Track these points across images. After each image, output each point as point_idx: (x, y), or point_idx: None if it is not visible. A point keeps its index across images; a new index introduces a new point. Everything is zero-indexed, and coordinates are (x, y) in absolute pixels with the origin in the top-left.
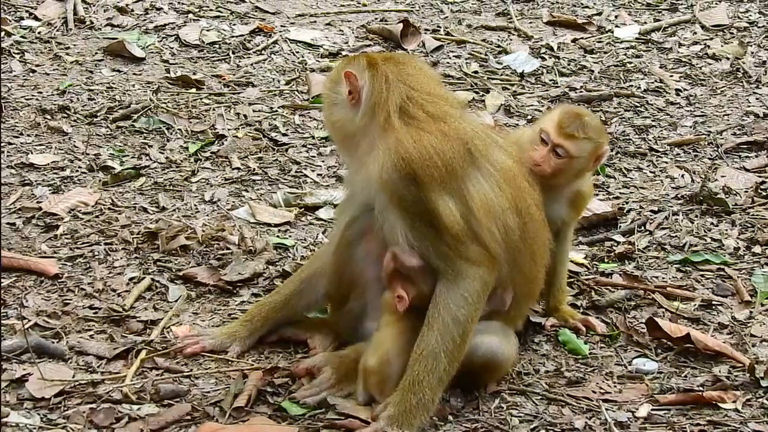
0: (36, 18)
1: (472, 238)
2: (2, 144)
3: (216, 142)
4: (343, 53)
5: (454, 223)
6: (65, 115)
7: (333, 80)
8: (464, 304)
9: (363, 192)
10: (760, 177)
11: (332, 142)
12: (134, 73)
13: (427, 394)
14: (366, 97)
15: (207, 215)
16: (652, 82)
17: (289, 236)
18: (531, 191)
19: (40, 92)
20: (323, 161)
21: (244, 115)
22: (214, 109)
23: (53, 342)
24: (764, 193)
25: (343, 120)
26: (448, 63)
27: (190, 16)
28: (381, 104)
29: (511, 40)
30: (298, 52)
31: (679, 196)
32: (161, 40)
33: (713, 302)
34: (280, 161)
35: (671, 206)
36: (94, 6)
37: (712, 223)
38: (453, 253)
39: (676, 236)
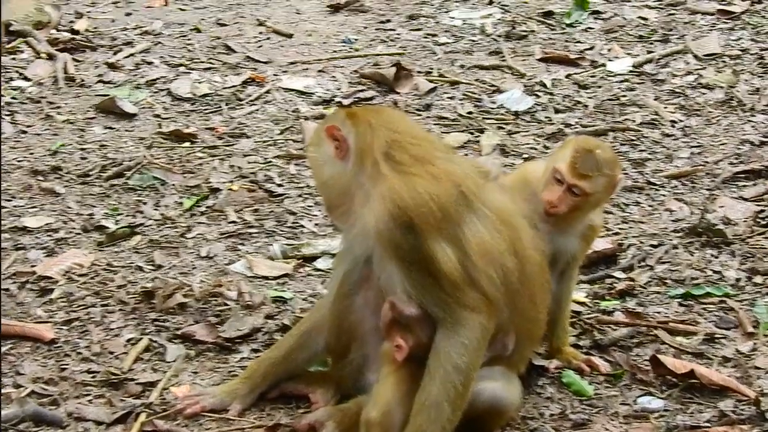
0: (26, 78)
1: (471, 284)
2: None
3: (211, 195)
4: (336, 99)
5: (452, 270)
6: (58, 175)
7: (315, 144)
8: (465, 352)
9: (360, 244)
10: (758, 206)
11: (324, 207)
12: (126, 130)
13: None
14: (353, 143)
15: (204, 271)
16: (647, 115)
17: (288, 288)
18: (527, 231)
19: (32, 153)
20: (320, 210)
21: (239, 167)
22: (208, 163)
23: (51, 409)
24: (763, 222)
25: (335, 176)
26: (441, 105)
27: (182, 69)
28: (368, 149)
29: (504, 78)
30: (291, 101)
31: (678, 229)
32: (153, 95)
33: (716, 335)
34: (276, 212)
35: (671, 240)
36: (84, 63)
37: (712, 255)
38: (452, 301)
39: (676, 270)
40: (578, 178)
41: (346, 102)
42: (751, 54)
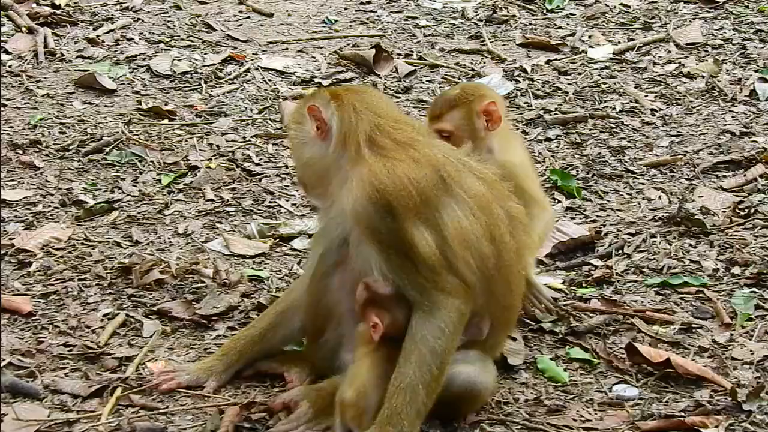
0: (6, 51)
1: (448, 269)
2: None
3: (189, 173)
4: (316, 80)
5: (430, 254)
6: (37, 149)
7: (296, 121)
8: (441, 335)
9: (337, 226)
10: (737, 196)
11: (302, 187)
12: (106, 105)
13: (405, 427)
14: (336, 127)
15: (181, 248)
16: (627, 103)
17: (264, 268)
18: (504, 218)
19: (11, 127)
20: (297, 191)
21: (217, 146)
22: (186, 140)
23: (28, 381)
24: (742, 213)
25: (315, 156)
26: (421, 88)
27: (161, 46)
28: (351, 134)
29: (484, 63)
30: (270, 80)
31: (656, 217)
32: (132, 71)
33: (693, 325)
34: (253, 191)
35: (649, 228)
36: (64, 38)
37: (690, 245)
38: (429, 285)
39: (654, 259)
40: (434, 121)
41: (325, 83)
42: (734, 44)
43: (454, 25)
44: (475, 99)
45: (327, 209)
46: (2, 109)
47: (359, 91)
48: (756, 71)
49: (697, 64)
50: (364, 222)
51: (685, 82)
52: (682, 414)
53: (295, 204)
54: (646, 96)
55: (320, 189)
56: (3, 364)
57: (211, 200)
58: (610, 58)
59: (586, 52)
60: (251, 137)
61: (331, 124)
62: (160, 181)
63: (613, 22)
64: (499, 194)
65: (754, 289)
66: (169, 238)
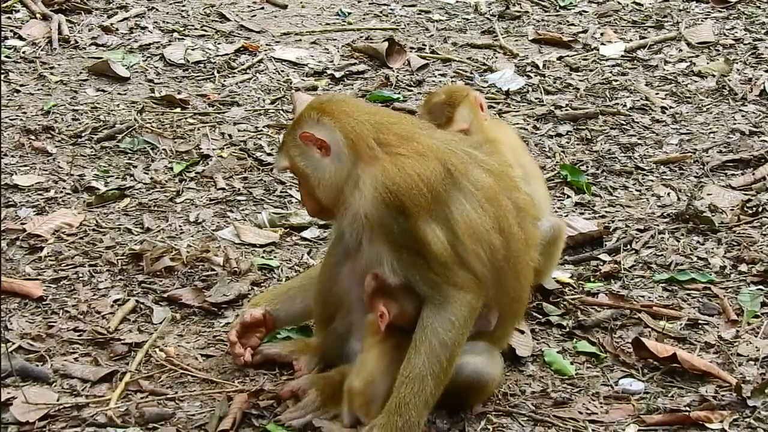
0: (20, 38)
1: (460, 264)
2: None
3: (201, 162)
4: (329, 72)
5: (442, 251)
6: (49, 135)
7: (297, 155)
8: (451, 328)
9: (350, 230)
10: (746, 195)
11: (316, 211)
12: (119, 93)
13: (413, 416)
14: (341, 137)
15: (192, 236)
16: (638, 100)
17: (274, 257)
18: (512, 209)
19: (25, 112)
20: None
21: (229, 135)
22: (198, 129)
23: (38, 365)
24: (750, 212)
25: (333, 173)
26: (433, 81)
27: (175, 35)
28: (359, 138)
29: (496, 58)
30: (283, 71)
31: (665, 214)
32: (146, 60)
33: (699, 321)
34: (264, 181)
35: (657, 225)
36: (78, 25)
37: (698, 242)
38: (440, 280)
39: (662, 255)
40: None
41: (338, 75)
42: (745, 44)
43: (467, 19)
44: (459, 95)
45: (341, 217)
46: (16, 95)
47: (340, 100)
48: (767, 71)
49: (708, 63)
50: (376, 222)
51: (695, 81)
52: (687, 408)
53: None
54: (656, 94)
55: (336, 203)
56: (13, 348)
57: (223, 189)
58: (622, 56)
59: (597, 49)
60: (263, 127)
61: (332, 138)
62: (171, 169)
63: (625, 20)
64: (506, 185)
65: (760, 287)
66: (180, 226)
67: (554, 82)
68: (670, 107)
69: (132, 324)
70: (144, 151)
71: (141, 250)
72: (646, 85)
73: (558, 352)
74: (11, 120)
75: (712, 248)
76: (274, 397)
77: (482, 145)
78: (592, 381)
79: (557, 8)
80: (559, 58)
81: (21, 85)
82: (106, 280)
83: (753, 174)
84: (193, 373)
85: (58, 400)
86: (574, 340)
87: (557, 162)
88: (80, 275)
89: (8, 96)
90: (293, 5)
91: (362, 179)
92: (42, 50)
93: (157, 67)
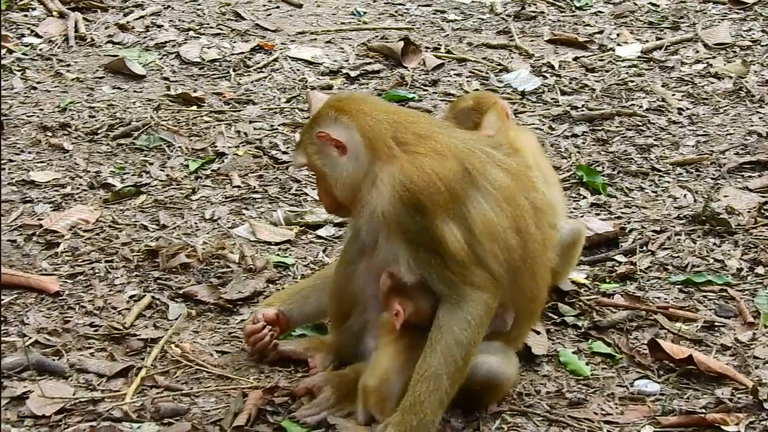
0: (37, 35)
1: (477, 263)
2: (3, 161)
3: (216, 159)
4: (344, 71)
5: (459, 250)
6: (66, 132)
7: (314, 153)
8: (467, 327)
9: (367, 228)
10: (763, 197)
11: (334, 209)
12: (135, 91)
13: (428, 415)
14: (359, 136)
15: (207, 233)
16: (654, 101)
17: (290, 255)
18: (530, 209)
19: (41, 109)
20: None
21: (245, 133)
22: (214, 127)
23: (54, 359)
24: (767, 214)
25: (351, 172)
26: (448, 81)
27: (191, 33)
28: (377, 137)
29: (512, 58)
30: (298, 70)
31: (681, 216)
32: (162, 58)
33: (716, 323)
34: (280, 179)
35: (673, 226)
36: (95, 23)
37: (714, 244)
38: (457, 279)
39: (678, 257)
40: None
41: (353, 74)
42: (762, 45)
43: (483, 19)
44: (485, 101)
45: (357, 216)
46: (33, 92)
47: (358, 98)
48: None
49: (725, 65)
50: (393, 220)
51: (712, 82)
52: (703, 411)
53: None
54: (673, 95)
55: (354, 202)
56: (30, 342)
57: (238, 187)
58: (638, 57)
59: (613, 50)
60: (278, 125)
61: (349, 137)
62: (187, 166)
63: (641, 21)
64: (524, 185)
65: None
66: (195, 223)
67: (570, 83)
68: (687, 108)
69: (148, 320)
70: (160, 149)
71: (157, 247)
72: (663, 86)
73: (573, 353)
74: (28, 117)
75: (729, 250)
76: (289, 393)
77: (501, 145)
78: (608, 382)
79: (573, 9)
80: (575, 59)
81: (38, 83)
82: (122, 276)
83: None
84: (208, 369)
85: (74, 395)
86: (590, 340)
87: (573, 163)
88: (96, 271)
89: (25, 93)
90: (309, 4)
91: (380, 178)
92: (59, 48)
93: (172, 65)
